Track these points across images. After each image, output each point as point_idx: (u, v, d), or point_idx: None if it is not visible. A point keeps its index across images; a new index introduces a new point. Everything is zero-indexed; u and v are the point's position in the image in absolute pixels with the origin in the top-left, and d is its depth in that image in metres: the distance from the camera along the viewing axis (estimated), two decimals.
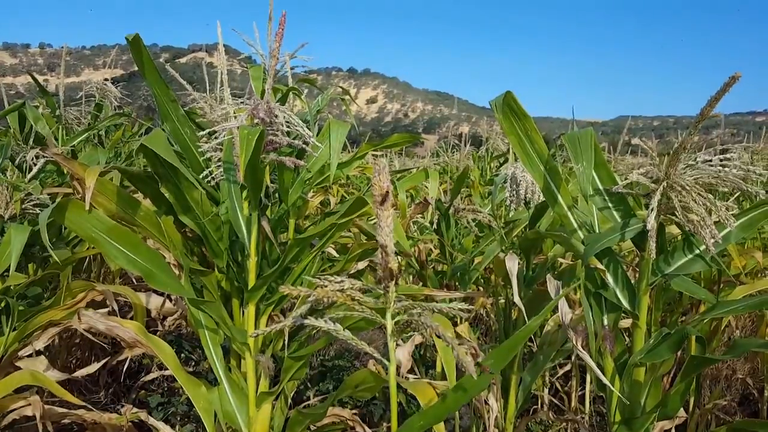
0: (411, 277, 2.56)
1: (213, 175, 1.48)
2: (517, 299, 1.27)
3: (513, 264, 1.31)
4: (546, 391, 2.82)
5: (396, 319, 0.55)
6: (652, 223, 1.21)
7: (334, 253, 2.27)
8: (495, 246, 2.27)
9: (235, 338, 1.27)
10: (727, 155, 1.24)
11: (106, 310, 1.39)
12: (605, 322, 1.47)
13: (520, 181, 1.77)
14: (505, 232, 2.24)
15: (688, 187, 1.21)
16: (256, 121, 1.33)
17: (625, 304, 1.40)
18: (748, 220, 1.33)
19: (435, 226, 2.28)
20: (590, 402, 2.90)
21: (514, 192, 1.78)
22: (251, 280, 1.32)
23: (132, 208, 1.31)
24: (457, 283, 2.40)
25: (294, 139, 1.46)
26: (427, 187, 2.40)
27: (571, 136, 1.31)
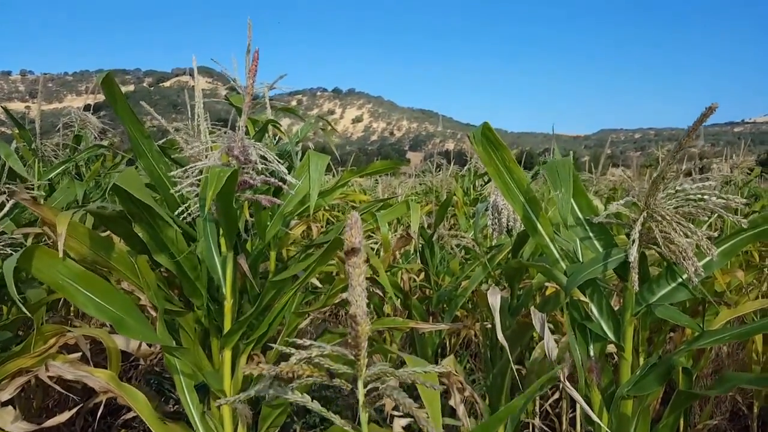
0: (396, 305, 2.53)
1: (189, 211, 1.45)
2: (500, 336, 1.24)
3: (495, 299, 1.28)
4: (537, 418, 2.78)
5: (369, 387, 0.52)
6: (634, 255, 1.20)
7: (318, 284, 2.23)
8: (480, 271, 2.25)
9: (211, 384, 1.23)
10: (706, 183, 1.23)
11: (80, 354, 1.34)
12: (591, 352, 1.45)
13: (502, 209, 1.76)
14: (490, 258, 2.22)
15: (668, 217, 1.20)
16: (231, 158, 1.30)
17: (610, 335, 1.38)
18: (730, 247, 1.33)
19: (419, 252, 2.26)
20: (581, 424, 2.86)
21: (497, 220, 1.77)
22: (227, 324, 1.28)
23: (105, 250, 1.27)
24: (443, 310, 2.37)
25: (271, 174, 1.44)
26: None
27: (550, 165, 1.30)
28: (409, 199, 1.67)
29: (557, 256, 1.42)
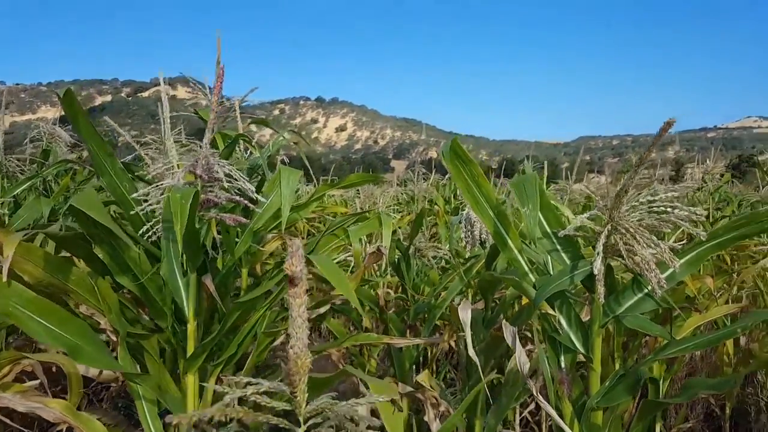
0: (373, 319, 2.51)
1: (155, 230, 1.42)
2: (471, 352, 1.24)
3: (465, 314, 1.28)
4: (517, 426, 2.78)
5: (309, 424, 0.50)
6: (599, 267, 1.20)
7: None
8: (458, 282, 2.25)
9: (173, 410, 1.20)
10: (669, 194, 1.24)
11: (38, 382, 1.30)
12: (562, 364, 1.45)
13: (475, 222, 1.76)
14: (466, 269, 2.22)
15: (632, 230, 1.21)
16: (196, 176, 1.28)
17: (579, 347, 1.38)
18: (694, 256, 1.34)
19: (395, 265, 2.24)
20: None
21: (469, 233, 1.76)
22: (190, 347, 1.25)
23: (63, 272, 1.23)
24: (424, 321, 2.36)
25: (239, 191, 1.42)
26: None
27: (517, 181, 1.31)
28: (382, 214, 1.66)
29: (526, 269, 1.42)
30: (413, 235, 2.00)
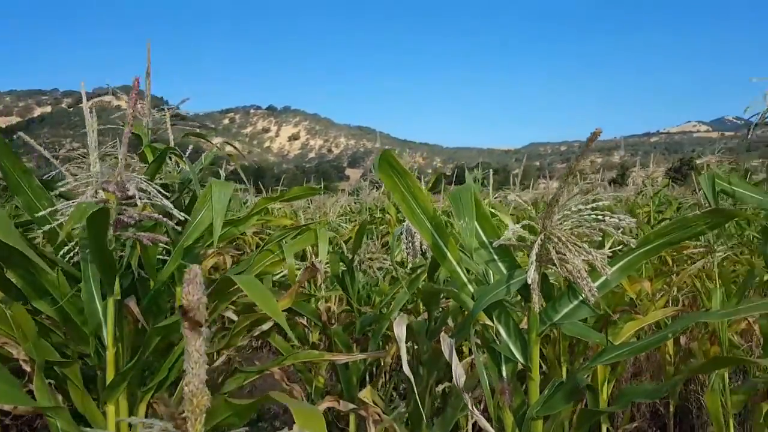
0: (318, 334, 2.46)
1: (75, 251, 1.33)
2: (405, 368, 1.21)
3: (401, 330, 1.25)
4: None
5: None
6: (532, 276, 1.20)
7: (234, 317, 2.13)
8: (403, 294, 2.23)
9: None
10: (599, 203, 1.26)
11: None
12: (504, 373, 1.45)
13: (415, 233, 1.75)
14: (412, 280, 2.21)
15: (563, 239, 1.22)
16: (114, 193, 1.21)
17: (518, 356, 1.38)
18: (626, 263, 1.36)
19: (338, 278, 2.21)
20: None
21: (410, 244, 1.75)
22: (109, 375, 1.18)
23: None
24: (373, 333, 2.32)
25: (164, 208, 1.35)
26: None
27: (453, 193, 1.30)
28: (319, 228, 1.62)
29: (465, 279, 1.41)
30: (356, 247, 1.97)
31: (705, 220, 1.29)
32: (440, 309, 2.08)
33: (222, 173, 4.36)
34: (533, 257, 1.21)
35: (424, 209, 1.36)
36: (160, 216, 1.21)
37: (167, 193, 1.21)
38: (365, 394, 1.60)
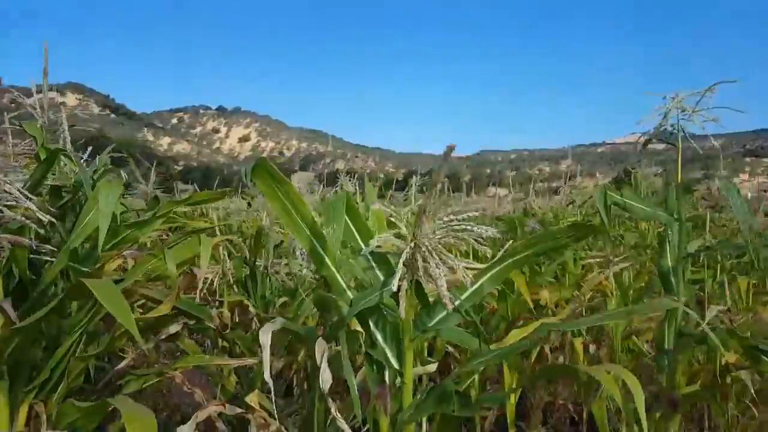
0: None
1: None
2: (267, 376, 1.23)
3: (266, 338, 1.27)
4: None
5: None
6: (396, 283, 1.24)
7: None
8: (309, 302, 2.24)
9: None
10: (467, 215, 1.32)
11: None
12: (387, 378, 1.49)
13: None
14: (317, 285, 2.22)
15: (430, 247, 1.27)
16: None
17: (393, 361, 1.42)
18: (497, 273, 1.43)
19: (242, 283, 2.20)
20: None
21: (303, 251, 1.77)
22: None
23: None
24: None
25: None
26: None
27: (326, 203, 1.33)
28: (202, 235, 1.62)
29: (344, 286, 1.44)
30: (256, 250, 1.97)
31: (568, 233, 1.38)
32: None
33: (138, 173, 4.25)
34: (400, 264, 1.25)
35: (302, 216, 1.38)
36: (24, 219, 1.18)
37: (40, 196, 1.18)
38: (252, 398, 1.61)
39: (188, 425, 1.52)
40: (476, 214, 1.34)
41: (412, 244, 1.29)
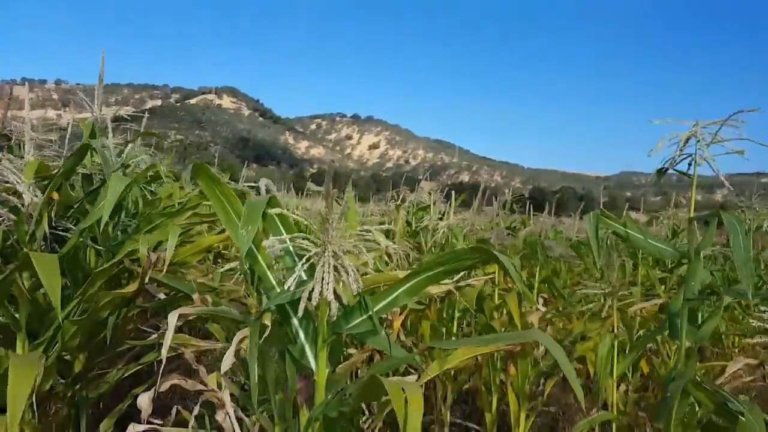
0: None
1: None
2: (163, 353, 1.38)
3: (173, 318, 1.42)
4: None
5: None
6: (291, 285, 1.32)
7: None
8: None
9: None
10: (376, 226, 1.37)
11: None
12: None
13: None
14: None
15: (337, 252, 1.34)
16: None
17: (310, 359, 1.50)
18: (412, 286, 1.45)
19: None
20: None
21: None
22: None
23: None
24: None
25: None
26: None
27: (248, 204, 1.46)
28: (172, 223, 1.82)
29: (274, 283, 1.56)
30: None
31: (473, 255, 1.38)
32: None
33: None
34: (299, 269, 1.34)
35: (237, 213, 1.52)
36: (9, 196, 1.46)
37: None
38: (211, 378, 1.77)
39: (147, 394, 1.73)
40: (386, 227, 1.39)
41: (321, 249, 1.37)
